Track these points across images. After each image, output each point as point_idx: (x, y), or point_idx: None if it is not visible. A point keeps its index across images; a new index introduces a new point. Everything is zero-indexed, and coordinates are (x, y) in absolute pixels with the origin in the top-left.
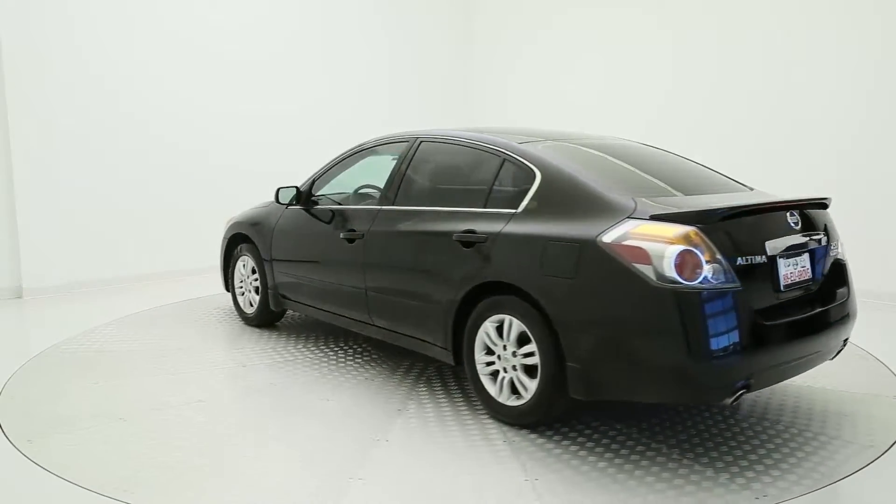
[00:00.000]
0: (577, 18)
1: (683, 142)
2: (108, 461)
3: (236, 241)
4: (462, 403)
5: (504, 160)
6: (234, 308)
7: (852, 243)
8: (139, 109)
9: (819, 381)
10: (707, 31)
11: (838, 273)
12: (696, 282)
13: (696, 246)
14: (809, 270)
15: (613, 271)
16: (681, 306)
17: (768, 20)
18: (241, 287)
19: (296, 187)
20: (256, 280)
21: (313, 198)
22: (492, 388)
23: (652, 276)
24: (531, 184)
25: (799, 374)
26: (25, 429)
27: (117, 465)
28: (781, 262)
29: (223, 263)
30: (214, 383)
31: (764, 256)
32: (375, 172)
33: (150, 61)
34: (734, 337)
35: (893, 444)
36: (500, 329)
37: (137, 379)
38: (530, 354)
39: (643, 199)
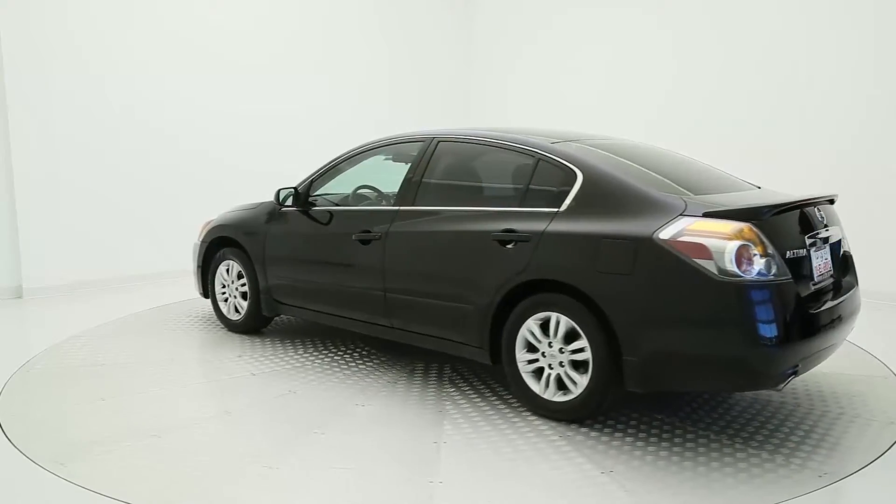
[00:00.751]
0: (577, 18)
1: (684, 141)
2: (108, 461)
3: (215, 246)
4: (498, 402)
5: (539, 160)
6: (214, 314)
7: (852, 243)
8: (139, 109)
9: (819, 380)
10: (707, 31)
11: (848, 265)
12: (753, 275)
13: (751, 241)
14: (830, 263)
15: (673, 267)
16: (742, 298)
17: (768, 20)
18: (225, 292)
19: (294, 188)
20: (244, 285)
21: (311, 199)
22: (535, 386)
23: (713, 270)
24: (572, 183)
25: (823, 361)
26: (26, 429)
27: (119, 464)
28: (814, 255)
29: (200, 268)
30: (233, 395)
31: (804, 249)
32: (381, 173)
33: (149, 61)
34: (789, 326)
35: (894, 443)
36: (543, 326)
37: (145, 392)
38: (579, 350)
39: (691, 197)
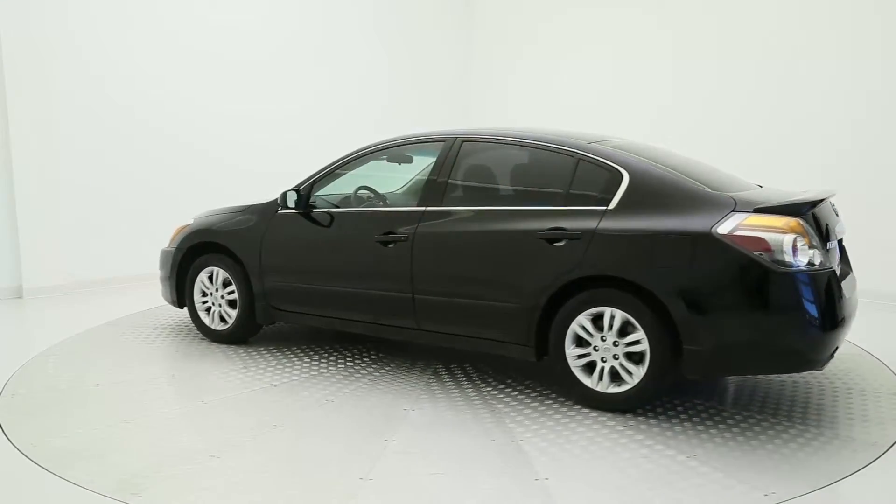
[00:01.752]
0: (578, 18)
1: (684, 141)
2: (109, 462)
3: (192, 252)
4: (541, 397)
5: (579, 160)
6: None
7: (852, 243)
8: (139, 109)
9: (819, 379)
10: (707, 31)
11: (846, 256)
12: (803, 266)
13: (799, 234)
14: (839, 253)
15: (732, 259)
16: (799, 287)
17: (769, 19)
18: (207, 301)
19: (296, 190)
20: (232, 293)
21: (312, 200)
22: (587, 380)
23: (772, 261)
24: (618, 183)
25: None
26: (27, 429)
27: (123, 466)
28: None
29: (175, 276)
30: (265, 409)
31: (834, 241)
32: (377, 172)
33: (149, 61)
34: (835, 312)
35: (894, 443)
36: (594, 321)
37: (164, 411)
38: (633, 343)
39: (738, 194)
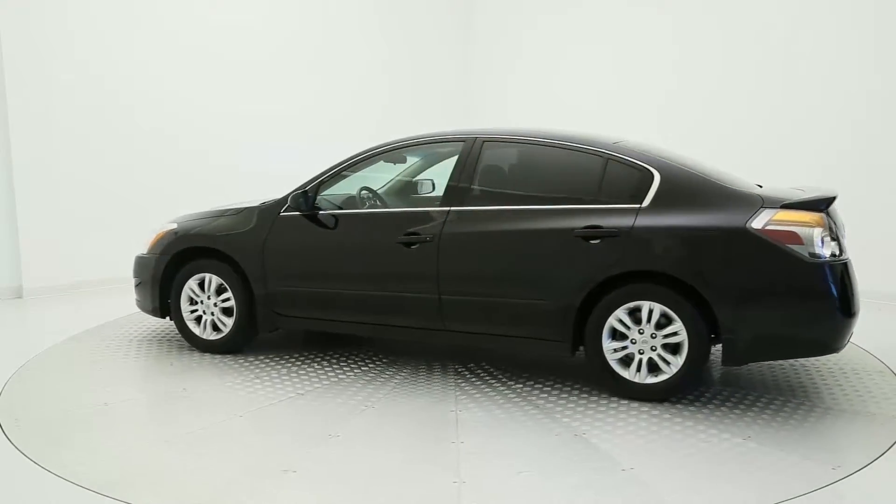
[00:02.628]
0: (578, 18)
1: (685, 140)
2: (110, 463)
3: (178, 259)
4: (576, 393)
5: (608, 160)
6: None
7: (852, 243)
8: (139, 109)
9: (820, 380)
10: (708, 30)
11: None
12: (828, 257)
13: (824, 227)
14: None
15: (767, 252)
16: (828, 277)
17: (769, 19)
18: (197, 310)
19: (305, 192)
20: (228, 300)
21: (317, 202)
22: (625, 372)
23: (805, 253)
24: (650, 181)
25: None
26: (26, 429)
27: (122, 466)
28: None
29: (158, 284)
30: (308, 418)
31: (843, 235)
32: (376, 173)
33: (150, 61)
34: (854, 300)
35: (894, 444)
36: (631, 314)
37: (203, 427)
38: (671, 334)
39: (761, 192)
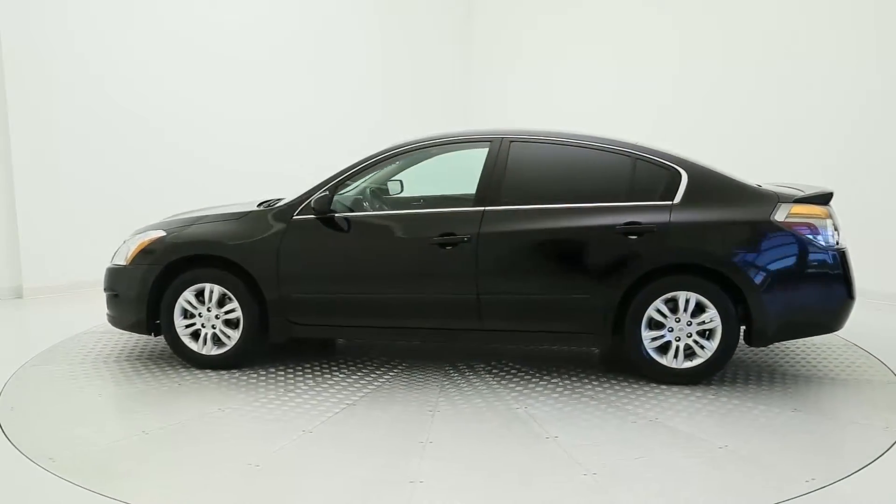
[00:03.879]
0: (578, 18)
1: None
2: (110, 462)
3: (164, 268)
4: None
5: (637, 160)
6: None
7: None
8: (139, 109)
9: (820, 379)
10: (708, 29)
11: None
12: (837, 245)
13: (831, 219)
14: None
15: (790, 242)
16: (840, 263)
17: (769, 19)
18: (194, 324)
19: (328, 193)
20: (233, 311)
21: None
22: (662, 359)
23: (822, 242)
24: (678, 180)
25: None
26: (26, 429)
27: (121, 466)
28: None
29: (146, 297)
30: (381, 428)
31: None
32: (422, 175)
33: (149, 61)
34: (854, 282)
35: (894, 444)
36: (667, 304)
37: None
38: (705, 321)
39: (773, 189)
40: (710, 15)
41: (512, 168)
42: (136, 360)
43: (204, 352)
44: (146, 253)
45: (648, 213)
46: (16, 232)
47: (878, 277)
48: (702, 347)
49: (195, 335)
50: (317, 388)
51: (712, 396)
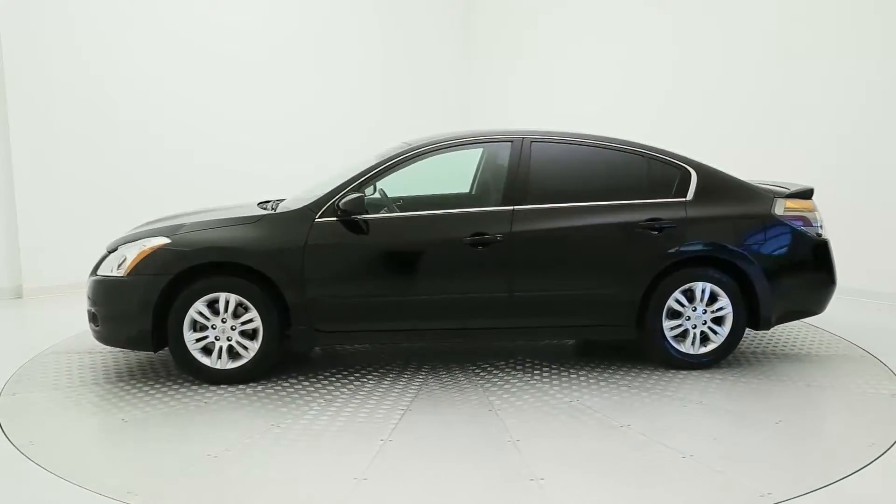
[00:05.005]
0: (578, 17)
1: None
2: (109, 462)
3: (178, 278)
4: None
5: (650, 159)
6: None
7: (853, 242)
8: (139, 109)
9: (818, 379)
10: (709, 29)
11: None
12: (824, 236)
13: (818, 212)
14: None
15: (788, 233)
16: (829, 251)
17: (770, 18)
18: (207, 336)
19: (360, 194)
20: (251, 321)
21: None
22: (681, 346)
23: (813, 234)
24: (689, 178)
25: None
26: (26, 429)
27: (121, 465)
28: None
29: (152, 310)
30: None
31: None
32: (437, 175)
33: (149, 61)
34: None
35: (894, 443)
36: (684, 294)
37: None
38: (718, 309)
39: (765, 186)
40: (710, 15)
41: (534, 168)
42: (136, 359)
43: (218, 366)
44: (149, 262)
45: (666, 209)
46: (16, 232)
47: (879, 277)
48: (715, 333)
49: (205, 349)
50: (360, 396)
51: (717, 385)
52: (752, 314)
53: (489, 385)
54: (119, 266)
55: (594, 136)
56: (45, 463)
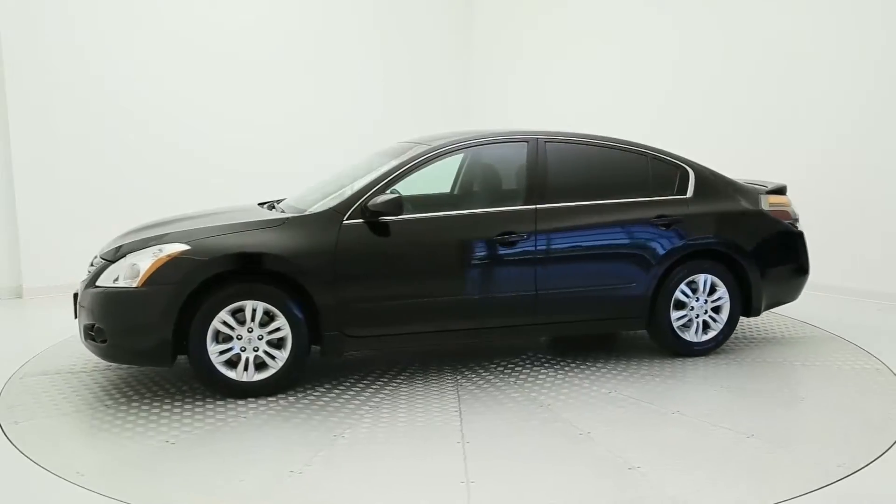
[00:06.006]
0: (578, 17)
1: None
2: (109, 462)
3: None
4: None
5: (651, 158)
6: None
7: (853, 242)
8: (139, 109)
9: (820, 379)
10: (709, 29)
11: None
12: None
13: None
14: None
15: (774, 226)
16: (804, 242)
17: (770, 19)
18: (231, 348)
19: (397, 195)
20: (278, 330)
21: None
22: (686, 335)
23: (793, 227)
24: (688, 176)
25: None
26: (26, 429)
27: (121, 465)
28: None
29: (173, 322)
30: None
31: None
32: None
33: (150, 61)
34: None
35: (894, 444)
36: (689, 286)
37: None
38: (717, 299)
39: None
40: (709, 15)
41: (551, 167)
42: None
43: (244, 379)
44: (168, 271)
45: (672, 206)
46: (16, 232)
47: (879, 277)
48: (714, 321)
49: (229, 363)
50: (402, 399)
51: (724, 390)
52: (744, 303)
53: (525, 381)
54: (129, 276)
55: (599, 136)
56: (44, 462)
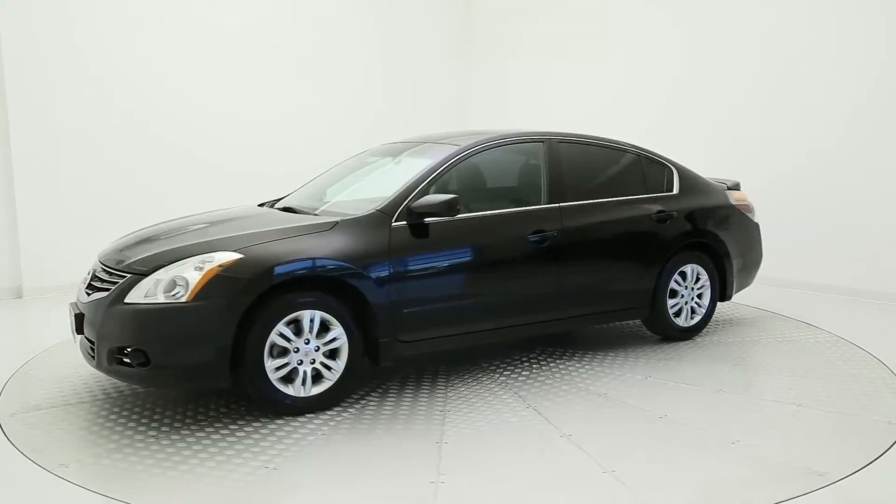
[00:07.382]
0: (578, 17)
1: (683, 140)
2: (109, 462)
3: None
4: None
5: (642, 157)
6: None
7: (853, 243)
8: (139, 109)
9: (820, 380)
10: (709, 29)
11: None
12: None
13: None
14: None
15: (741, 219)
16: (760, 233)
17: (769, 20)
18: (289, 362)
19: (455, 195)
20: (334, 340)
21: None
22: (679, 321)
23: (755, 218)
24: (673, 175)
25: None
26: (26, 429)
27: (121, 465)
28: None
29: (231, 339)
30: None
31: None
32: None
33: (150, 61)
34: None
35: (893, 444)
36: (679, 275)
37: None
38: (701, 287)
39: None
40: (710, 15)
41: (565, 166)
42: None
43: (301, 394)
44: (221, 282)
45: (665, 202)
46: (16, 232)
47: (879, 277)
48: (700, 307)
49: (286, 377)
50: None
51: (716, 392)
52: (720, 289)
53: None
54: (173, 290)
55: (598, 137)
56: (44, 462)
